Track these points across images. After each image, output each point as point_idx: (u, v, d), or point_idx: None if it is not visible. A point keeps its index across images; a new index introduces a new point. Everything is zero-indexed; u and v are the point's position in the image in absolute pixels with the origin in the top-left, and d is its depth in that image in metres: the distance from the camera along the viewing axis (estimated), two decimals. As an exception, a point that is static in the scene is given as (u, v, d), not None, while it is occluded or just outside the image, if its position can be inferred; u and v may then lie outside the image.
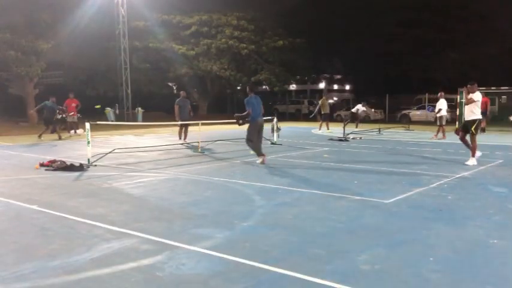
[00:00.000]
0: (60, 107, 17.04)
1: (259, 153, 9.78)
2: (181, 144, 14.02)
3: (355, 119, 22.14)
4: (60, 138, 15.89)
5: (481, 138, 16.25)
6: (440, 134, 15.87)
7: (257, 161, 9.77)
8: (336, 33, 38.39)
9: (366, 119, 22.25)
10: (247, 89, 10.13)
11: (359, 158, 11.04)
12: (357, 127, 20.97)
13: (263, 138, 14.41)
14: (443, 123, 15.99)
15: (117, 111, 27.67)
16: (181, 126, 14.80)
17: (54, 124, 16.57)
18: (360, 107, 22.45)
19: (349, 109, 29.76)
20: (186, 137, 14.67)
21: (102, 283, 3.47)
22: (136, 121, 26.10)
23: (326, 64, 45.53)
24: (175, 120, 14.85)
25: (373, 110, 32.23)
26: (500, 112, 26.97)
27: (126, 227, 4.91)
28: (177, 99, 14.76)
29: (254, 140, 9.75)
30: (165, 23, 31.43)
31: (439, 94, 16.41)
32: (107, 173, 8.62)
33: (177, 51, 30.79)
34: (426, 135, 18.25)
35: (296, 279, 3.53)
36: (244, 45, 31.94)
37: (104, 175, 8.31)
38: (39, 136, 15.80)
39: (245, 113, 9.62)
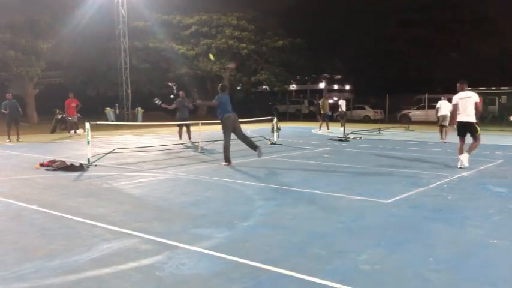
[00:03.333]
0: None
1: (227, 158, 9.41)
2: (182, 144, 14.03)
3: (341, 118, 21.80)
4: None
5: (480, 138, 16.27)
6: (443, 135, 15.37)
7: (221, 163, 9.52)
8: (336, 33, 38.42)
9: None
10: (219, 88, 9.93)
11: (359, 158, 11.04)
12: (341, 126, 20.64)
13: (262, 138, 14.60)
14: (445, 123, 15.62)
15: (117, 111, 27.68)
16: (181, 126, 14.90)
17: (55, 125, 16.55)
18: (341, 102, 21.99)
19: (349, 109, 29.71)
20: (190, 136, 14.77)
21: (102, 283, 3.47)
22: (136, 121, 26.09)
23: (326, 64, 45.54)
24: (174, 120, 14.98)
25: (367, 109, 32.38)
26: (500, 112, 26.94)
27: (126, 227, 4.91)
28: (177, 100, 14.88)
29: (228, 136, 9.44)
30: (165, 23, 31.42)
31: (443, 95, 16.01)
32: (107, 173, 8.62)
33: (177, 51, 30.78)
34: (426, 135, 18.25)
35: (296, 279, 3.52)
36: (244, 45, 31.94)
37: (104, 175, 8.31)
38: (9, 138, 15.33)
39: (209, 102, 9.48)
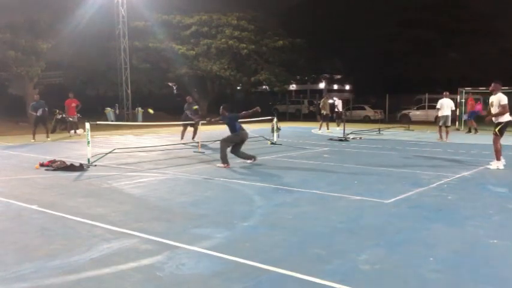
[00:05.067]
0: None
1: (225, 159, 9.29)
2: (184, 144, 14.03)
3: (338, 118, 21.76)
4: (48, 136, 15.82)
5: (478, 138, 16.29)
6: (444, 135, 15.22)
7: (217, 164, 9.47)
8: (336, 33, 38.40)
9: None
10: (221, 110, 9.71)
11: (359, 158, 11.04)
12: (338, 126, 20.62)
13: (262, 138, 14.60)
14: (441, 123, 15.27)
15: (117, 111, 27.68)
16: (185, 126, 15.02)
17: (55, 125, 16.56)
18: (337, 103, 21.87)
19: (349, 109, 29.68)
20: (194, 136, 14.86)
21: (102, 283, 3.47)
22: (136, 121, 26.09)
23: (326, 64, 45.50)
24: (176, 121, 15.11)
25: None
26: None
27: (126, 227, 4.91)
28: (186, 105, 14.98)
29: (229, 144, 9.46)
30: (165, 23, 31.40)
31: (444, 94, 15.60)
32: (107, 173, 8.62)
33: (177, 51, 30.76)
34: (426, 135, 18.25)
35: (296, 279, 3.53)
36: (244, 45, 31.92)
37: (104, 175, 8.32)
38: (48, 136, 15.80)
39: (218, 118, 9.51)
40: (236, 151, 9.74)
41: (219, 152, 9.47)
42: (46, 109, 15.90)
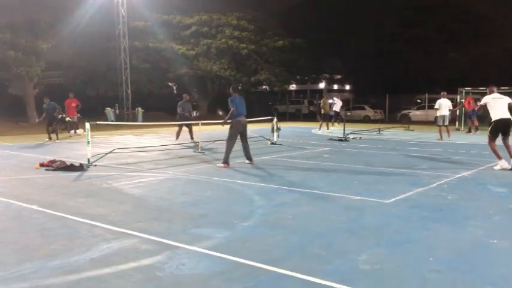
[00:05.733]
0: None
1: (226, 159, 9.26)
2: (180, 144, 14.03)
3: (337, 117, 21.70)
4: (57, 138, 15.70)
5: (478, 138, 16.29)
6: (444, 135, 15.37)
7: (217, 164, 9.47)
8: (336, 33, 38.38)
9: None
10: (231, 89, 9.79)
11: (359, 158, 11.03)
12: (338, 125, 20.57)
13: (262, 138, 14.61)
14: (440, 123, 15.38)
15: (117, 111, 27.68)
16: (181, 126, 15.03)
17: (55, 124, 16.54)
18: (337, 101, 21.73)
19: (349, 109, 29.68)
20: (193, 136, 14.87)
21: (102, 283, 3.47)
22: (136, 121, 26.09)
23: (326, 64, 45.49)
24: (175, 121, 15.11)
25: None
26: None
27: (126, 227, 4.91)
28: (180, 102, 15.00)
29: (233, 140, 9.42)
30: (165, 23, 31.40)
31: (441, 94, 15.72)
32: (107, 173, 8.62)
33: (177, 51, 30.76)
34: (426, 135, 18.25)
35: (296, 279, 3.52)
36: (244, 45, 31.92)
37: (104, 175, 8.31)
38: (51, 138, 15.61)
39: (229, 113, 9.37)
40: (244, 145, 9.75)
41: (224, 152, 9.40)
42: (57, 110, 16.05)
